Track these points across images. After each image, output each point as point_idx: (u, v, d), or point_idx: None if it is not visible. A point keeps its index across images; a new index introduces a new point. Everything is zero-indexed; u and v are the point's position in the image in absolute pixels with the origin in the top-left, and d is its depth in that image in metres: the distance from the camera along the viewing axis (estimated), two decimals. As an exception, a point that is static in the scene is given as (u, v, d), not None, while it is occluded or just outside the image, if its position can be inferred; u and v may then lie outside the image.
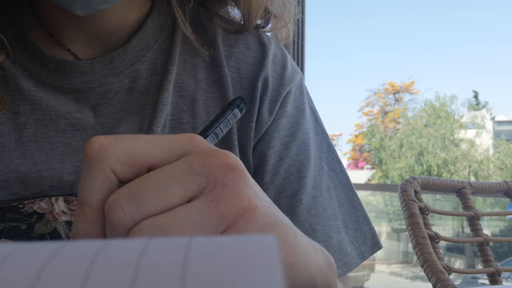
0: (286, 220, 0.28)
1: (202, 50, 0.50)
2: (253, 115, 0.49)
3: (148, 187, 0.24)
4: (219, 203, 0.24)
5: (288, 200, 0.48)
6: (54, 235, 0.42)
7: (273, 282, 0.13)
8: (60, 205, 0.42)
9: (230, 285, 0.13)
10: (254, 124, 0.49)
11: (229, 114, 0.34)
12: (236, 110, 0.34)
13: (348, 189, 0.53)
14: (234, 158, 0.25)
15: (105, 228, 0.24)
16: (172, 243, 0.15)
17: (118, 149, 0.25)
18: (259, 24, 0.54)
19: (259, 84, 0.50)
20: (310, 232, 0.48)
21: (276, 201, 0.48)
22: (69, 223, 0.42)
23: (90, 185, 0.24)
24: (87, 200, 0.25)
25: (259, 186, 0.27)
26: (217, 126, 0.33)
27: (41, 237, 0.42)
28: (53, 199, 0.43)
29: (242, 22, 0.53)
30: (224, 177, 0.24)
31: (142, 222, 0.23)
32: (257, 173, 0.49)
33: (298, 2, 0.56)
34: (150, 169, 0.25)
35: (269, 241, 0.15)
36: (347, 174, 0.54)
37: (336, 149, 0.56)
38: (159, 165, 0.25)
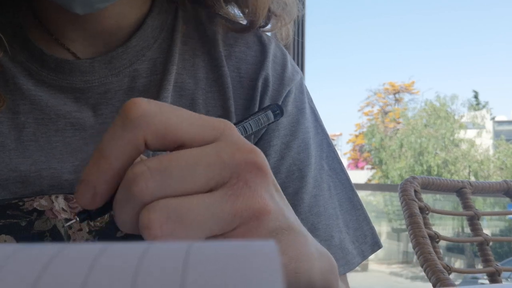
0: (298, 225, 0.28)
1: (211, 26, 0.51)
2: None
3: (176, 168, 0.24)
4: (237, 199, 0.24)
5: (290, 199, 0.48)
6: (54, 232, 0.42)
7: (273, 286, 0.13)
8: (60, 202, 0.43)
9: None
10: None
11: (261, 114, 0.35)
12: (270, 113, 0.35)
13: (348, 188, 0.53)
14: (261, 157, 0.25)
15: (119, 191, 0.24)
16: (171, 248, 0.15)
17: (159, 121, 0.24)
18: (260, 24, 0.54)
19: (259, 84, 0.50)
20: (312, 231, 0.48)
21: None
22: (68, 221, 0.42)
23: (117, 143, 0.24)
24: (107, 154, 0.24)
25: (279, 188, 0.27)
26: (247, 121, 0.34)
27: (41, 234, 0.42)
28: (53, 197, 0.43)
29: (245, 22, 0.53)
30: (247, 174, 0.24)
31: (160, 200, 0.23)
32: None
33: (299, 0, 0.56)
34: (179, 146, 0.25)
35: (269, 247, 0.15)
36: (347, 173, 0.54)
37: (336, 149, 0.56)
38: (189, 145, 0.25)
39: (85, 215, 0.27)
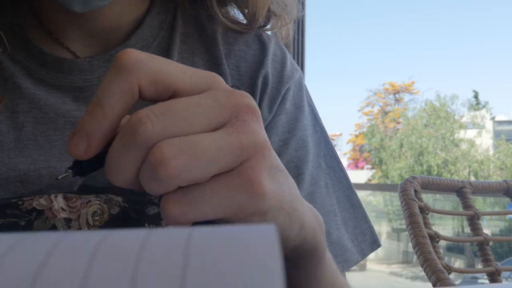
0: (287, 172, 0.29)
1: (211, 25, 0.52)
2: None
3: (179, 110, 0.24)
4: (240, 134, 0.25)
5: None
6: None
7: (272, 273, 0.13)
8: (59, 202, 0.42)
9: (230, 277, 0.13)
10: None
11: None
12: None
13: (346, 186, 0.53)
14: (253, 101, 0.27)
15: (116, 141, 0.24)
16: (173, 234, 0.15)
17: (152, 66, 0.25)
18: (260, 23, 0.54)
19: (259, 82, 0.50)
20: None
21: None
22: (67, 220, 0.42)
23: (112, 91, 0.25)
24: (102, 103, 0.25)
25: None
26: None
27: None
28: (52, 196, 0.43)
29: (245, 22, 0.53)
30: (245, 114, 0.25)
31: (169, 139, 0.24)
32: None
33: (299, 0, 0.56)
34: (173, 95, 0.25)
35: (269, 231, 0.15)
36: (345, 172, 0.54)
37: (336, 149, 0.56)
38: (183, 93, 0.25)
39: (77, 168, 0.26)
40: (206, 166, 0.24)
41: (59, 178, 0.27)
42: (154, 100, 0.26)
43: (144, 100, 0.26)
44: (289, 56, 0.55)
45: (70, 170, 0.26)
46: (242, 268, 0.13)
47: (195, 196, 0.24)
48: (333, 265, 0.36)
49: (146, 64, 0.25)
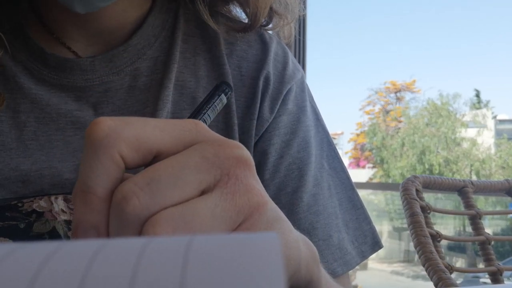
0: (282, 213, 0.28)
1: (213, 25, 0.50)
2: (254, 113, 0.49)
3: (163, 176, 0.22)
4: (234, 196, 0.23)
5: (288, 198, 0.48)
6: (53, 234, 0.42)
7: (274, 281, 0.13)
8: (59, 203, 0.42)
9: (231, 284, 0.13)
10: (255, 122, 0.49)
11: (216, 100, 0.33)
12: (223, 96, 0.33)
13: (348, 187, 0.53)
14: (245, 150, 0.25)
15: (111, 220, 0.23)
16: (171, 242, 0.15)
17: (128, 133, 0.23)
18: (262, 22, 0.54)
19: (260, 82, 0.50)
20: (310, 230, 0.48)
21: (276, 198, 0.48)
22: (68, 222, 0.42)
23: (96, 172, 0.23)
24: (92, 188, 0.23)
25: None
26: (205, 113, 0.32)
27: (40, 236, 0.41)
28: (52, 198, 0.43)
29: (247, 21, 0.53)
30: (236, 170, 0.24)
31: (160, 212, 0.22)
32: (258, 171, 0.49)
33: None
34: (156, 157, 0.24)
35: (271, 239, 0.15)
36: (347, 172, 0.54)
37: (337, 148, 0.56)
38: (166, 153, 0.24)
39: None
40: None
41: None
42: (139, 167, 0.24)
43: (129, 169, 0.24)
44: (291, 56, 0.55)
45: None
46: (244, 276, 0.13)
47: None
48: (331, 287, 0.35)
49: (121, 132, 0.23)
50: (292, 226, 0.28)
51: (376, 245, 0.52)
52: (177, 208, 0.22)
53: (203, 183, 0.23)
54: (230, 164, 0.24)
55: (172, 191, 0.22)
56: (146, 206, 0.22)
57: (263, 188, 0.25)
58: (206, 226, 0.22)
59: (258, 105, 0.49)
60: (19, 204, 0.42)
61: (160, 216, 0.22)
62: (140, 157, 0.24)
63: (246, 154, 0.24)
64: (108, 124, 0.23)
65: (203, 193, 0.23)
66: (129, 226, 0.22)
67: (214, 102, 0.33)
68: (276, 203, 0.27)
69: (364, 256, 0.51)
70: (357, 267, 0.52)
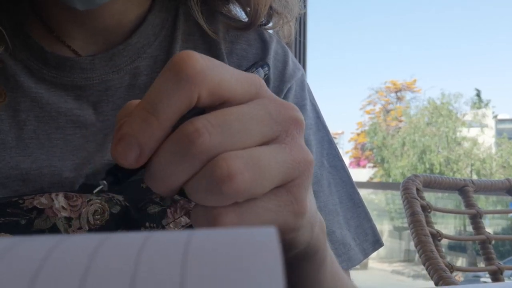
0: None
1: (210, 33, 0.51)
2: None
3: (234, 121, 0.24)
4: (292, 150, 0.25)
5: None
6: (54, 231, 0.42)
7: (272, 277, 0.13)
8: (60, 200, 0.42)
9: (230, 279, 0.13)
10: None
11: (253, 71, 0.34)
12: (260, 70, 0.34)
13: (349, 186, 0.53)
14: (300, 113, 0.27)
15: (171, 148, 0.23)
16: (172, 237, 0.15)
17: (214, 78, 0.24)
18: (261, 21, 0.54)
19: None
20: None
21: None
22: (68, 219, 0.42)
23: (170, 101, 0.23)
24: (158, 112, 0.23)
25: None
26: None
27: (41, 233, 0.42)
28: (53, 195, 0.43)
29: (247, 20, 0.53)
30: (293, 129, 0.26)
31: (230, 152, 0.23)
32: None
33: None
34: (224, 102, 0.25)
35: (269, 233, 0.15)
36: (348, 171, 0.54)
37: (338, 147, 0.56)
38: (235, 101, 0.25)
39: (113, 178, 0.25)
40: (267, 182, 0.24)
41: (94, 192, 0.25)
42: (206, 108, 0.25)
43: (196, 107, 0.24)
44: (291, 55, 0.55)
45: (105, 182, 0.25)
46: (243, 270, 0.13)
47: (248, 210, 0.24)
48: (335, 267, 0.36)
49: (208, 75, 0.24)
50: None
51: (377, 243, 0.52)
52: (245, 150, 0.23)
53: (265, 136, 0.25)
54: (289, 124, 0.25)
55: (240, 136, 0.24)
56: (215, 144, 0.23)
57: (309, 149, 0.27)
58: (272, 170, 0.24)
59: None
60: (20, 201, 0.42)
61: (231, 153, 0.23)
62: (212, 100, 0.24)
63: (302, 116, 0.27)
64: (200, 63, 0.24)
65: (263, 144, 0.25)
66: (191, 159, 0.23)
67: (250, 72, 0.33)
68: None
69: (366, 253, 0.51)
70: (357, 266, 0.52)
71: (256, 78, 0.26)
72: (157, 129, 0.23)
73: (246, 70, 0.33)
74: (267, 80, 0.50)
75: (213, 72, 0.24)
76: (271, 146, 0.25)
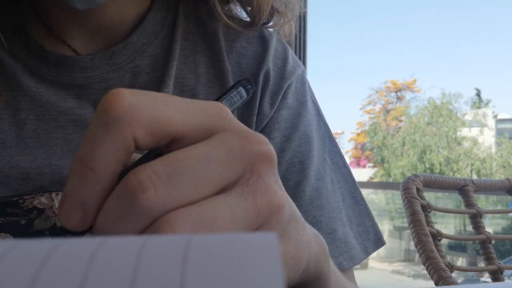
0: (297, 211, 0.27)
1: (210, 31, 0.50)
2: (254, 109, 0.49)
3: (186, 169, 0.20)
4: (255, 196, 0.21)
5: (291, 192, 0.48)
6: (54, 231, 0.42)
7: (273, 281, 0.13)
8: None
9: (229, 283, 0.13)
10: (255, 118, 0.49)
11: (233, 92, 0.32)
12: (242, 90, 0.32)
13: (350, 183, 0.53)
14: (270, 146, 0.23)
15: (114, 204, 0.21)
16: (171, 241, 0.15)
17: (149, 113, 0.21)
18: (263, 20, 0.54)
19: (261, 78, 0.50)
20: (314, 223, 0.48)
21: None
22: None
23: (102, 149, 0.21)
24: (94, 165, 0.21)
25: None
26: (220, 102, 0.31)
27: (41, 233, 0.42)
28: (53, 195, 0.43)
29: (249, 19, 0.53)
30: (260, 167, 0.22)
31: (178, 210, 0.20)
32: None
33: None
34: (174, 141, 0.22)
35: (270, 239, 0.15)
36: (349, 168, 0.54)
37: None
38: (185, 138, 0.22)
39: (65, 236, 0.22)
40: None
41: None
42: (151, 148, 0.22)
43: (140, 150, 0.22)
44: (290, 52, 0.54)
45: None
46: (243, 275, 0.13)
47: None
48: (341, 282, 0.34)
49: (141, 113, 0.21)
50: (305, 223, 0.27)
51: (379, 241, 0.52)
52: (196, 207, 0.20)
53: (226, 180, 0.21)
54: (255, 160, 0.22)
55: (193, 188, 0.20)
56: (162, 200, 0.20)
57: (283, 187, 0.24)
58: (225, 227, 0.21)
59: (258, 101, 0.49)
60: (20, 201, 0.42)
61: (178, 214, 0.20)
62: (156, 140, 0.21)
63: (272, 150, 0.23)
64: (129, 100, 0.21)
65: (223, 189, 0.21)
66: (135, 217, 0.20)
67: (231, 94, 0.32)
68: None
69: (367, 252, 0.51)
70: (357, 266, 0.52)
71: (215, 108, 0.23)
72: (96, 183, 0.21)
73: (227, 91, 0.32)
74: (266, 77, 0.50)
75: (147, 108, 0.21)
76: (229, 196, 0.21)
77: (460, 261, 10.27)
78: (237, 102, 0.32)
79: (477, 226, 1.01)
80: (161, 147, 0.22)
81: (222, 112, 0.23)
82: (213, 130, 0.22)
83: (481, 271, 1.03)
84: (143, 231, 0.20)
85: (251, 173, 0.22)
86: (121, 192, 0.20)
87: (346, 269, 0.48)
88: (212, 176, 0.21)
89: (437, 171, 15.72)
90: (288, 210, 0.23)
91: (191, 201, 0.20)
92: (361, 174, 17.75)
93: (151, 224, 0.20)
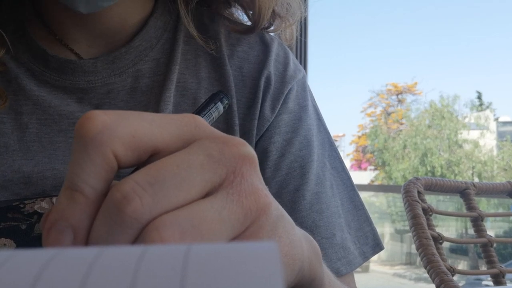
0: (284, 211, 0.27)
1: (208, 45, 0.51)
2: (255, 113, 0.49)
3: (168, 176, 0.21)
4: (241, 197, 0.22)
5: (290, 196, 0.48)
6: None
7: (273, 286, 0.13)
8: None
9: None
10: (256, 122, 0.49)
11: (211, 108, 0.32)
12: (219, 104, 0.33)
13: (350, 188, 0.53)
14: (250, 148, 0.23)
15: (102, 222, 0.21)
16: (170, 250, 0.15)
17: (124, 130, 0.21)
18: (264, 25, 0.54)
19: (262, 82, 0.50)
20: (313, 228, 0.48)
21: (278, 196, 0.48)
22: None
23: (86, 170, 0.21)
24: (80, 187, 0.21)
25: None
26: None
27: (41, 237, 0.41)
28: (54, 199, 0.43)
29: (250, 23, 0.53)
30: (242, 168, 0.22)
31: (164, 216, 0.20)
32: (260, 169, 0.49)
33: (303, 0, 0.56)
34: (153, 155, 0.22)
35: (270, 248, 0.15)
36: (349, 173, 0.54)
37: (339, 150, 0.56)
38: (164, 150, 0.22)
39: None
40: (209, 242, 0.21)
41: None
42: (134, 166, 0.23)
43: (123, 168, 0.22)
44: (292, 57, 0.55)
45: None
46: (243, 281, 0.13)
47: None
48: (334, 286, 0.34)
49: (116, 129, 0.21)
50: (294, 223, 0.27)
51: (377, 246, 0.52)
52: (182, 211, 0.20)
53: (209, 183, 0.22)
54: (236, 162, 0.22)
55: (177, 193, 0.21)
56: (148, 209, 0.20)
57: (266, 187, 0.25)
58: (214, 230, 0.21)
59: (259, 105, 0.50)
60: (21, 205, 0.42)
61: (165, 219, 0.20)
62: (136, 156, 0.22)
63: (251, 151, 0.23)
64: (101, 119, 0.21)
65: (208, 193, 0.22)
66: (125, 229, 0.20)
67: (209, 110, 0.32)
68: (278, 202, 0.26)
69: (365, 257, 0.51)
70: (359, 269, 0.52)
71: (189, 119, 0.23)
72: (85, 204, 0.21)
73: (205, 105, 0.32)
74: (267, 81, 0.51)
75: (121, 124, 0.21)
76: (215, 198, 0.21)
77: (462, 265, 10.25)
78: (215, 118, 0.32)
79: (479, 229, 1.01)
80: (144, 163, 0.22)
81: (197, 121, 0.23)
82: (190, 139, 0.23)
83: (482, 274, 1.03)
84: (134, 241, 0.21)
85: (234, 175, 0.22)
86: (108, 207, 0.21)
87: (343, 274, 0.48)
88: (194, 181, 0.21)
89: (438, 174, 15.70)
90: (275, 209, 0.24)
91: (176, 206, 0.21)
92: (362, 177, 17.73)
93: (141, 233, 0.20)
